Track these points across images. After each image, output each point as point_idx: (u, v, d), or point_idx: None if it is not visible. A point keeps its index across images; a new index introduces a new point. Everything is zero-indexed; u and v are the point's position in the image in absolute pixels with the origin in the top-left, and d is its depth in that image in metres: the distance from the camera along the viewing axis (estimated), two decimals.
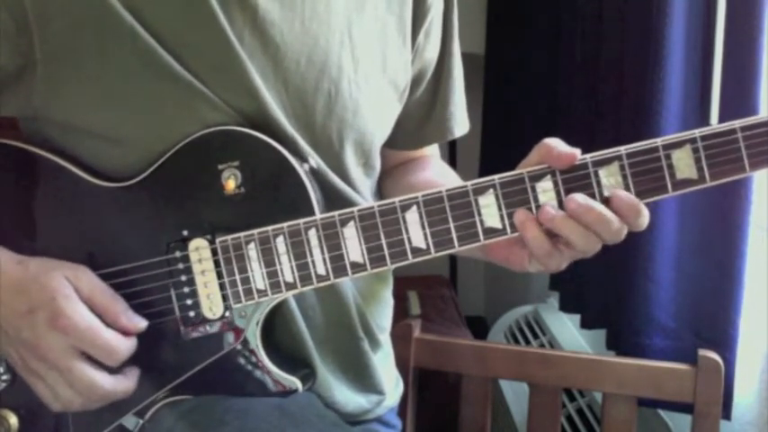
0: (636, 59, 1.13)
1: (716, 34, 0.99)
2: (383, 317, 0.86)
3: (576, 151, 0.61)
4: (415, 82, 0.81)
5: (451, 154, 2.46)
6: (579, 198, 0.60)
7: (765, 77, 0.93)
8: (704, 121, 1.01)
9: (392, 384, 0.88)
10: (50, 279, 0.61)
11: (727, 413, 1.01)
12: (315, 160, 0.69)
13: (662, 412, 1.21)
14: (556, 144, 0.62)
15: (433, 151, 0.91)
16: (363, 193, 0.77)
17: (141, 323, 0.64)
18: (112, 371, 0.63)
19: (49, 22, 0.62)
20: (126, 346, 0.63)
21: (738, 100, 0.95)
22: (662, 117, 1.06)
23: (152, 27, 0.63)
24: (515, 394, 1.61)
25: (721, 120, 0.59)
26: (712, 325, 1.05)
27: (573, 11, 1.47)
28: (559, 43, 1.56)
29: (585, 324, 1.40)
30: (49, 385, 0.62)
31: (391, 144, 0.82)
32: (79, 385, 0.62)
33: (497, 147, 2.08)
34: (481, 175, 0.63)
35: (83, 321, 0.60)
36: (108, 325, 0.62)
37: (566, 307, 1.52)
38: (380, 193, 0.85)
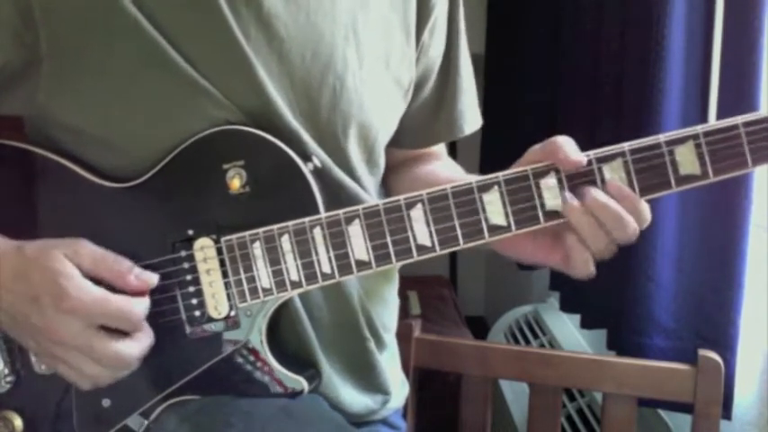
0: (636, 59, 1.14)
1: (715, 34, 1.00)
2: (388, 317, 0.85)
3: (583, 158, 0.62)
4: (422, 80, 0.81)
5: (452, 154, 2.45)
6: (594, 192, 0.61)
7: (765, 78, 0.94)
8: (704, 121, 1.02)
9: (398, 385, 0.87)
10: (49, 260, 0.60)
11: (727, 413, 1.01)
12: (318, 159, 0.69)
13: (662, 412, 1.21)
14: (564, 143, 0.62)
15: (438, 149, 0.91)
16: (368, 190, 0.77)
17: (152, 278, 0.64)
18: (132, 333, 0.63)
19: (54, 17, 0.62)
20: (140, 305, 0.62)
21: (738, 100, 0.96)
22: (662, 117, 1.07)
23: (157, 21, 0.62)
24: (515, 394, 1.61)
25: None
26: (712, 325, 1.05)
27: (573, 11, 1.47)
28: (559, 43, 1.56)
29: (585, 324, 1.40)
30: (72, 366, 0.62)
31: (400, 143, 0.81)
32: (105, 359, 0.61)
33: (497, 147, 2.07)
34: (481, 174, 0.63)
35: (88, 296, 0.60)
36: (120, 289, 0.62)
37: (566, 307, 1.52)
38: (385, 188, 0.84)
